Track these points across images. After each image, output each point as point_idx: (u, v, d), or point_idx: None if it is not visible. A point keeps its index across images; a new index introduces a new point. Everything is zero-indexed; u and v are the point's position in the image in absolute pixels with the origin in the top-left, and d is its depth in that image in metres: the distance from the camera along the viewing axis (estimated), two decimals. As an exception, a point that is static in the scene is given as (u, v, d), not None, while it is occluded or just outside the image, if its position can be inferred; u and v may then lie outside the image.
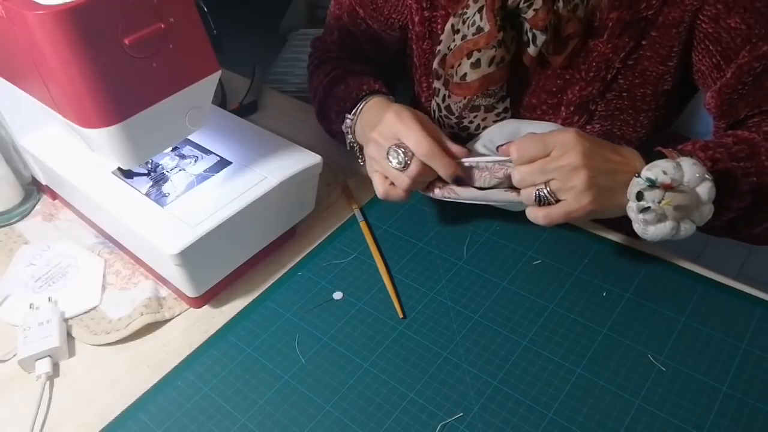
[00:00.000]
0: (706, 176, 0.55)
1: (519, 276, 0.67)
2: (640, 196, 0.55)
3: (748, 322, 0.60)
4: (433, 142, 0.61)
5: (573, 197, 0.57)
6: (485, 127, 0.74)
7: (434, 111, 0.77)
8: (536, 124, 0.73)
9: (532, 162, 0.58)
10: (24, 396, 0.59)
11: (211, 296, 0.67)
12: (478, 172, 0.63)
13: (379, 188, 0.66)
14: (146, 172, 0.69)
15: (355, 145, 0.74)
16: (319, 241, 0.73)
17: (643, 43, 0.66)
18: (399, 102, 0.80)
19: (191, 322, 0.66)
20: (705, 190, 0.55)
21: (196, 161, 0.71)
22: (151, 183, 0.68)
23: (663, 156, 0.58)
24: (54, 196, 0.80)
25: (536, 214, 0.59)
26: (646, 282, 0.65)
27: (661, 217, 0.55)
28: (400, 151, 0.62)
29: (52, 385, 0.60)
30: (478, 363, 0.59)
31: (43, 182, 0.79)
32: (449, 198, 0.66)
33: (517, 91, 0.74)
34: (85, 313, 0.65)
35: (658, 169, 0.54)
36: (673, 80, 0.69)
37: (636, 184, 0.55)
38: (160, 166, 0.70)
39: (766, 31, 0.61)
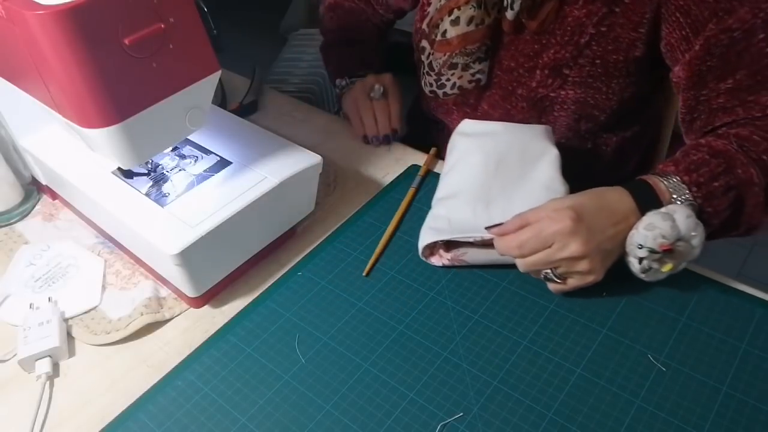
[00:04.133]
0: (698, 224, 0.58)
1: (519, 276, 0.67)
2: (641, 260, 0.59)
3: (748, 322, 0.60)
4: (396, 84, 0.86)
5: (579, 278, 0.60)
6: (461, 86, 0.80)
7: (421, 70, 0.85)
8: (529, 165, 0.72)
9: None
10: (24, 396, 0.59)
11: (211, 296, 0.67)
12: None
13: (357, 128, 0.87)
14: (146, 172, 0.69)
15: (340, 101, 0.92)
16: (319, 241, 0.73)
17: (616, 9, 0.69)
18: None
19: (191, 322, 0.66)
20: (698, 239, 0.59)
21: (196, 161, 0.71)
22: (151, 183, 0.68)
23: (646, 185, 0.61)
24: (54, 196, 0.80)
25: (547, 285, 0.63)
26: (647, 282, 0.65)
27: (660, 271, 0.60)
28: (377, 86, 0.85)
29: (52, 385, 0.61)
30: (478, 363, 0.59)
31: (43, 182, 0.79)
32: (456, 264, 0.67)
33: (497, 55, 0.79)
34: (85, 313, 0.65)
35: (657, 233, 0.57)
36: (644, 48, 0.71)
37: (636, 251, 0.58)
38: (160, 166, 0.70)
39: (731, 5, 0.62)
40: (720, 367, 0.57)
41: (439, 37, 0.77)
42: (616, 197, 0.61)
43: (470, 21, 0.74)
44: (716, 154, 0.63)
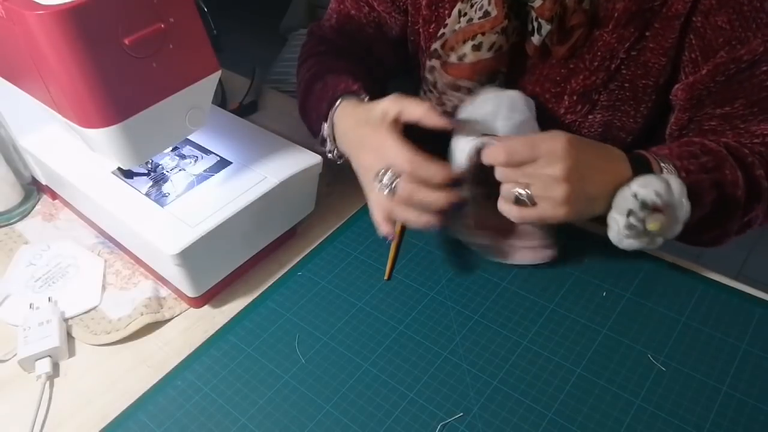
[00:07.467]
0: (686, 197, 0.56)
1: (519, 276, 0.67)
2: (629, 212, 0.55)
3: (748, 322, 0.60)
4: (414, 155, 0.58)
5: (549, 207, 0.56)
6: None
7: (424, 89, 0.78)
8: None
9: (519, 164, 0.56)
10: (24, 396, 0.59)
11: (211, 296, 0.67)
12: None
13: (380, 226, 0.64)
14: (146, 172, 0.69)
15: (333, 152, 0.71)
16: (319, 241, 0.73)
17: (647, 34, 0.67)
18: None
19: (191, 322, 0.66)
20: (684, 212, 0.56)
21: (196, 161, 0.71)
22: (151, 183, 0.68)
23: (645, 159, 0.60)
24: (54, 196, 0.80)
25: (510, 210, 0.58)
26: (646, 282, 0.65)
27: (641, 234, 0.56)
28: (386, 174, 0.60)
29: (52, 385, 0.61)
30: (478, 363, 0.59)
31: (43, 182, 0.79)
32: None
33: (520, 79, 0.75)
34: (85, 313, 0.65)
35: (650, 189, 0.54)
36: (671, 72, 0.69)
37: (627, 201, 0.55)
38: (160, 166, 0.70)
39: (745, 35, 0.62)
40: (720, 367, 0.57)
41: (453, 59, 0.71)
42: (617, 151, 0.59)
43: (491, 47, 0.69)
44: (708, 152, 0.63)
